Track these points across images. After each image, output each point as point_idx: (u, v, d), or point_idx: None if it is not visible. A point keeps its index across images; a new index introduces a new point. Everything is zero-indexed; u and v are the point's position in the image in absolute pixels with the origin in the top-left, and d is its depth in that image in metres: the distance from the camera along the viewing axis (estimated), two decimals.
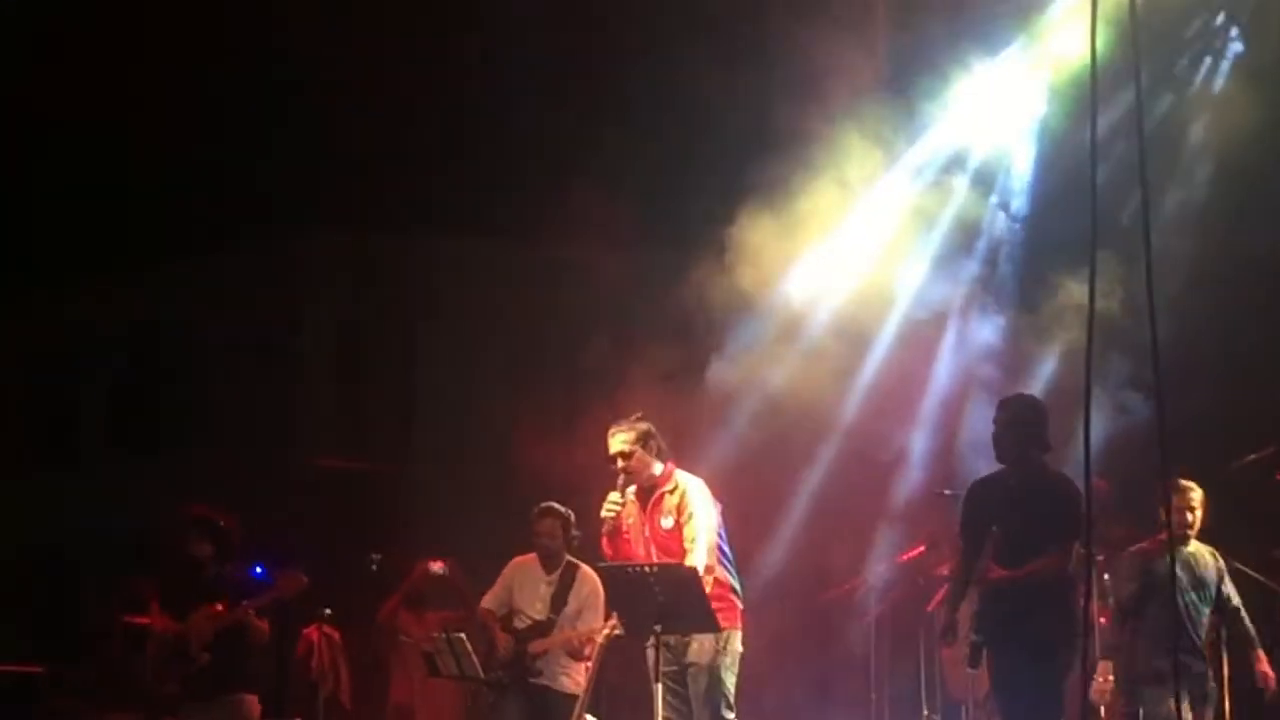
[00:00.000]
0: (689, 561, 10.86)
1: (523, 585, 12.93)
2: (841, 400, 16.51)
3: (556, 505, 13.08)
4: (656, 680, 10.62)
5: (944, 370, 16.44)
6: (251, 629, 12.09)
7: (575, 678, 12.52)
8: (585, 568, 12.74)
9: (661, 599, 10.37)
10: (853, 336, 16.03)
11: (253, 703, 12.28)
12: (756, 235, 15.13)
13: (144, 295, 21.74)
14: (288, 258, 20.38)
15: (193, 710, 12.12)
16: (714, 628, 10.71)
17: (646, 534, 11.24)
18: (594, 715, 11.85)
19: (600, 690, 12.27)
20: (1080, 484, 10.45)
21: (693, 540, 11.00)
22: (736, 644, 11.19)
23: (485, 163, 17.96)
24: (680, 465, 11.48)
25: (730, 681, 11.13)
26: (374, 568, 13.14)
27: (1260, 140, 14.88)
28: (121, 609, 15.48)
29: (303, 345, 20.31)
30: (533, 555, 13.01)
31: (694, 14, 15.66)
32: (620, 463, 11.20)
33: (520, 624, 12.76)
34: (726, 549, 11.28)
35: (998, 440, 11.10)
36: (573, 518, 13.08)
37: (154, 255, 20.82)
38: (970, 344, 16.27)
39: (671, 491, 11.22)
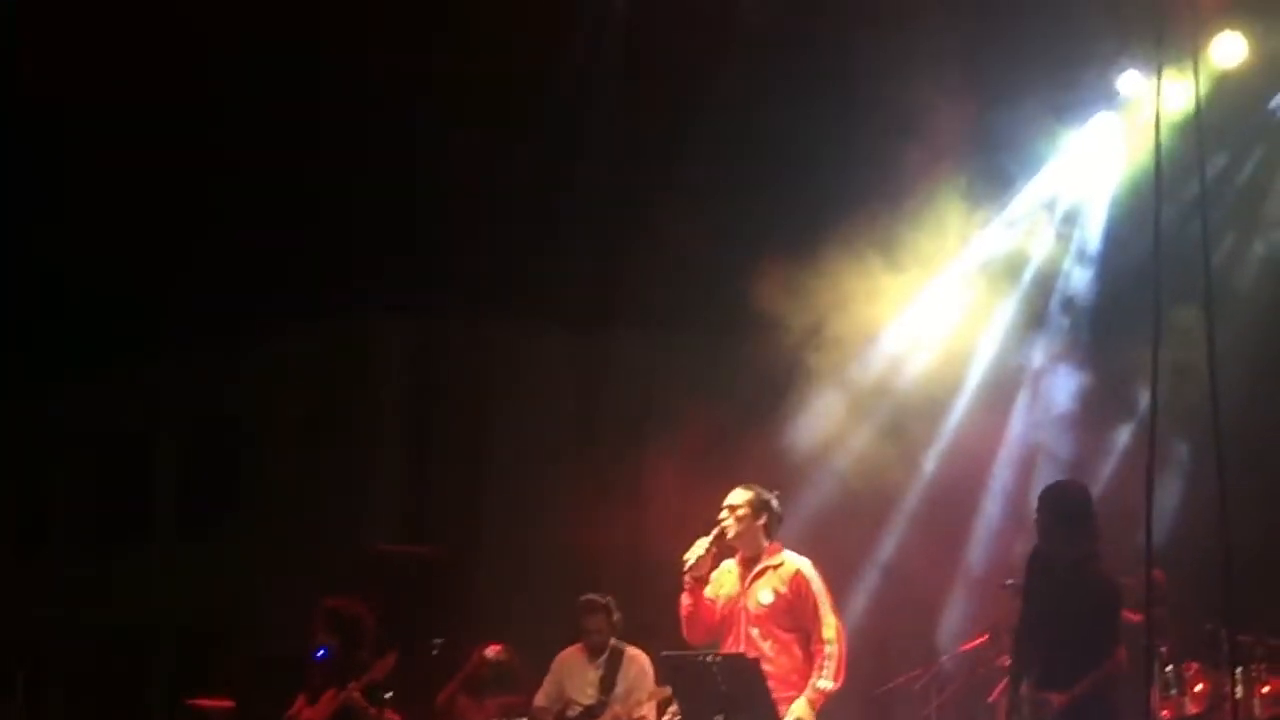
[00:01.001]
0: (818, 682, 10.75)
1: (571, 675, 13.11)
2: (912, 478, 16.65)
3: (596, 597, 13.21)
4: None
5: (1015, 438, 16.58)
6: (358, 711, 12.33)
7: None
8: (631, 649, 12.89)
9: (724, 689, 10.36)
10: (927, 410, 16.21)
11: None
12: (832, 304, 15.32)
13: (215, 375, 21.86)
14: (358, 340, 20.49)
15: None
16: (775, 718, 10.61)
17: (741, 605, 11.06)
18: None
19: None
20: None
21: (828, 658, 10.81)
22: None
23: (551, 247, 18.07)
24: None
25: None
26: (435, 652, 13.19)
27: None
28: (190, 691, 15.61)
29: (371, 429, 20.40)
30: (579, 646, 13.15)
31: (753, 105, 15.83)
32: (725, 513, 11.08)
33: (572, 712, 12.89)
34: None
35: (1043, 534, 10.83)
36: (613, 603, 13.17)
37: (226, 335, 20.96)
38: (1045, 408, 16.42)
39: (776, 567, 11.04)
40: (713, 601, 11.13)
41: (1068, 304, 16.89)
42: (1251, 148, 15.90)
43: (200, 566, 21.12)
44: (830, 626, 10.84)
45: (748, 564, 11.13)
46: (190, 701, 15.36)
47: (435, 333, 20.17)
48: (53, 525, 23.96)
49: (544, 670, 13.57)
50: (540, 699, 13.11)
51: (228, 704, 14.61)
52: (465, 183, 17.46)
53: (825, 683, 10.74)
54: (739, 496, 11.12)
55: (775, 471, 14.53)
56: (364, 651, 12.75)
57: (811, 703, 10.72)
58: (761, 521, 11.10)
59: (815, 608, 10.88)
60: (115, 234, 18.32)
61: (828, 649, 10.78)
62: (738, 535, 11.06)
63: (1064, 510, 10.73)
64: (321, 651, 13.11)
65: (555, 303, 19.10)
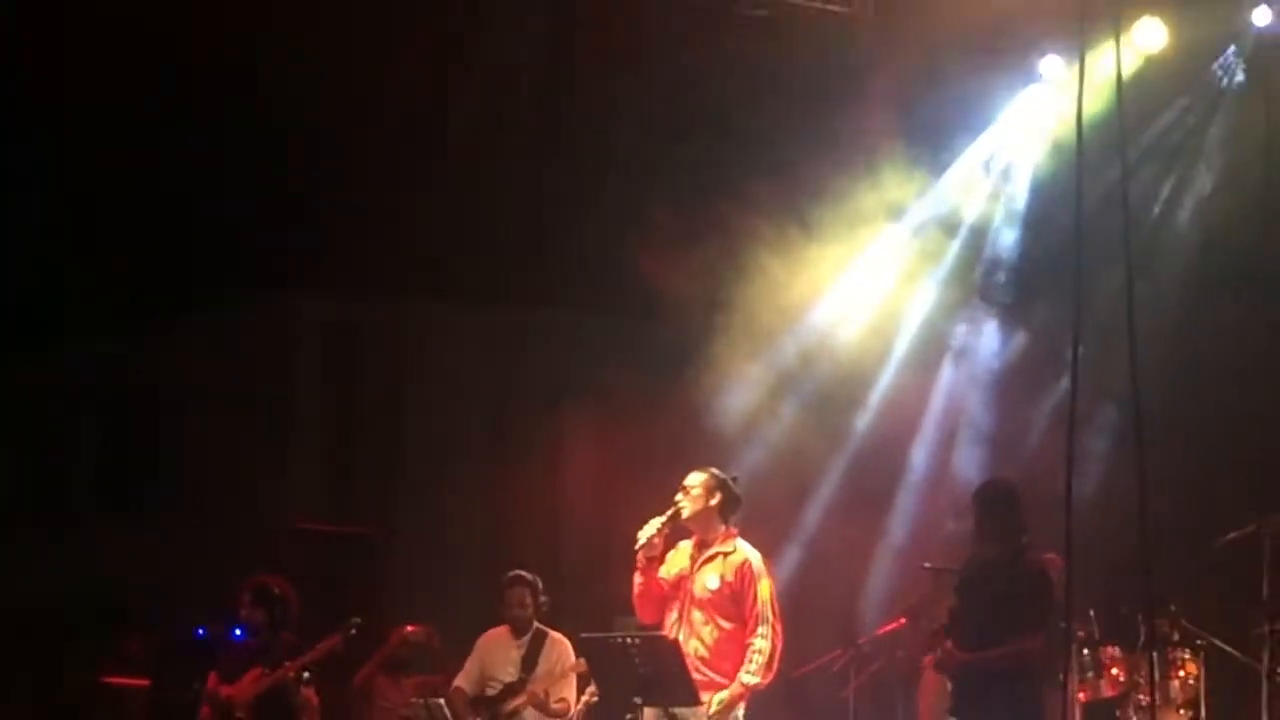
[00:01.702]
0: (743, 676, 10.72)
1: (493, 654, 13.11)
2: (835, 454, 16.71)
3: (524, 573, 13.18)
4: None
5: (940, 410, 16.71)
6: (290, 690, 12.22)
7: None
8: (554, 633, 12.90)
9: (643, 670, 10.32)
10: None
11: None
12: (753, 291, 15.34)
13: (129, 354, 21.71)
14: (275, 319, 20.39)
15: None
16: (694, 701, 10.55)
17: (688, 587, 11.00)
18: None
19: None
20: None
21: (757, 653, 10.78)
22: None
23: (468, 226, 18.01)
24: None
25: None
26: (353, 632, 13.10)
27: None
28: (106, 670, 15.53)
29: (290, 406, 20.32)
30: (503, 627, 13.14)
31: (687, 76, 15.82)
32: (681, 494, 11.02)
33: (492, 690, 12.89)
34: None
35: (979, 528, 11.16)
36: (540, 584, 13.14)
37: (140, 314, 20.81)
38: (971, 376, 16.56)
39: (727, 554, 10.96)
40: (665, 581, 11.07)
41: (997, 268, 17.02)
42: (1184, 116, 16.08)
43: (117, 545, 20.97)
44: (765, 622, 10.80)
45: (700, 546, 11.07)
46: (106, 680, 15.28)
47: (354, 310, 20.09)
48: None
49: (463, 650, 13.54)
50: (461, 679, 13.07)
51: (143, 683, 14.52)
52: (385, 159, 17.37)
53: (749, 678, 10.72)
54: (694, 478, 11.06)
55: (694, 449, 14.56)
56: (288, 631, 12.65)
57: (734, 696, 10.70)
58: (715, 502, 11.01)
59: (754, 601, 10.83)
60: (31, 210, 18.16)
61: (757, 643, 10.75)
62: (692, 516, 10.98)
63: (993, 508, 11.17)
64: (239, 631, 13.03)
65: (473, 281, 19.06)
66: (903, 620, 14.46)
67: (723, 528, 11.06)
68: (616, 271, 16.58)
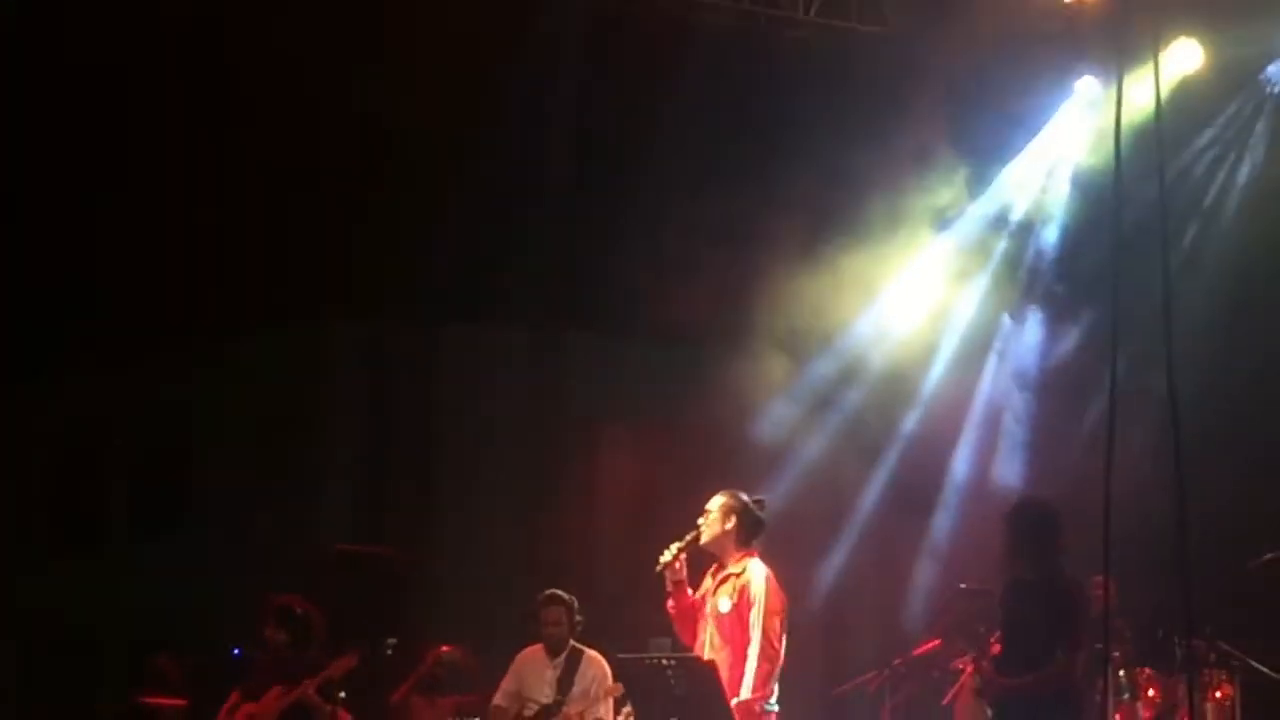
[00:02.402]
0: (737, 698, 10.58)
1: (529, 674, 13.07)
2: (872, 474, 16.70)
3: (560, 592, 13.14)
4: None
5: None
6: (313, 708, 12.22)
7: None
8: (590, 652, 12.86)
9: (679, 693, 10.29)
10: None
11: None
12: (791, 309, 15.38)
13: (167, 380, 21.81)
14: (311, 344, 20.45)
15: None
16: None
17: (708, 609, 10.92)
18: None
19: None
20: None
21: (746, 673, 10.61)
22: None
23: (501, 251, 18.05)
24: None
25: None
26: (389, 652, 13.12)
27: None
28: (142, 689, 15.55)
29: (326, 431, 20.36)
30: (539, 645, 13.12)
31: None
32: (701, 518, 10.93)
33: (529, 711, 12.86)
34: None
35: (1011, 551, 11.11)
36: (576, 604, 13.13)
37: (178, 341, 20.91)
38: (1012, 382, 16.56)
39: (737, 575, 10.84)
40: (700, 599, 11.00)
41: (1042, 267, 17.02)
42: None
43: (153, 568, 21.04)
44: (755, 641, 10.73)
45: (719, 569, 11.01)
46: (143, 700, 15.30)
47: (387, 334, 20.13)
48: (3, 529, 23.85)
49: (498, 670, 13.54)
50: (499, 698, 13.06)
51: (181, 702, 14.54)
52: (417, 186, 17.42)
53: (744, 691, 10.60)
54: (714, 501, 10.97)
55: (730, 469, 14.53)
56: (314, 649, 12.64)
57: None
58: (731, 526, 10.90)
59: (750, 621, 10.74)
60: (69, 235, 18.25)
61: (747, 664, 10.71)
62: (711, 540, 10.91)
63: (1030, 531, 11.05)
64: (237, 651, 13.08)
65: (510, 305, 19.10)
66: (938, 641, 14.43)
67: (739, 550, 10.97)
68: (651, 293, 16.59)
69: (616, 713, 12.63)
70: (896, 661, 14.48)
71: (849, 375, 16.78)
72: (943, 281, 16.76)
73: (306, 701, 12.17)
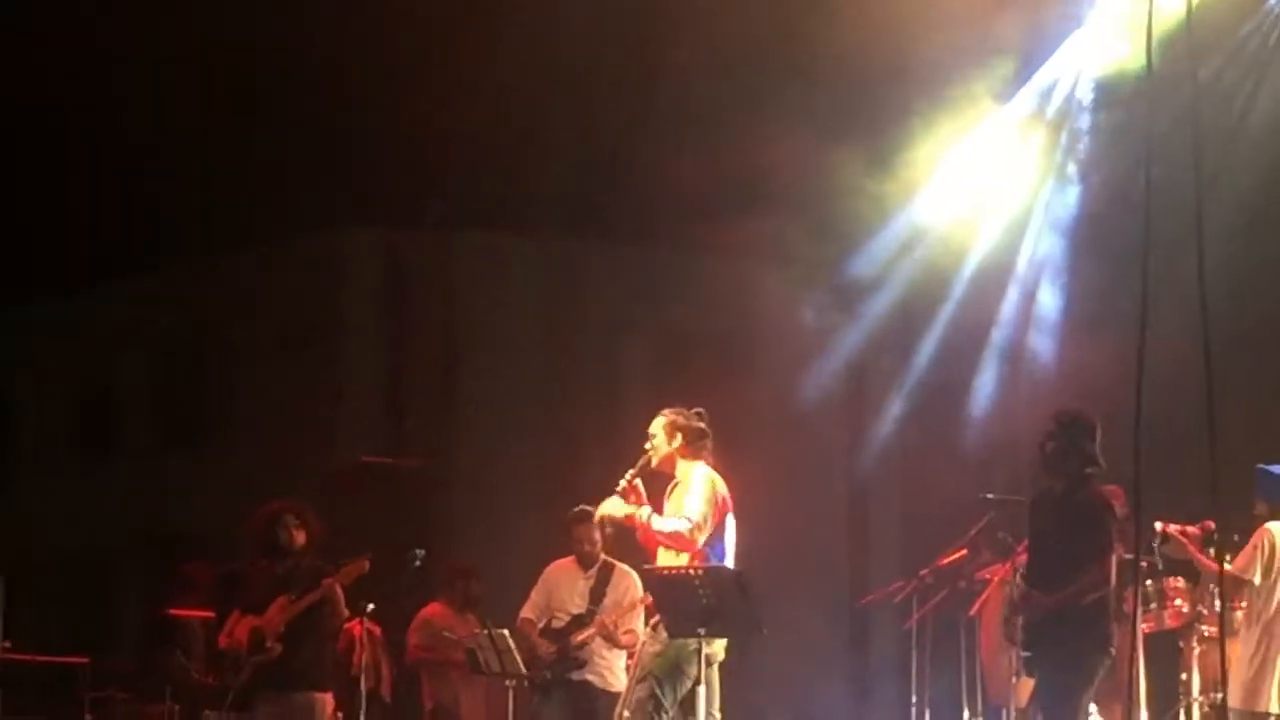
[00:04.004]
0: (654, 517, 10.75)
1: (560, 586, 13.04)
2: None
3: (590, 509, 13.11)
4: (699, 683, 10.60)
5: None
6: (336, 603, 12.11)
7: (618, 674, 12.56)
8: (621, 565, 12.84)
9: (705, 602, 10.32)
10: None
11: (325, 701, 12.30)
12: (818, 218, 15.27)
13: (187, 291, 21.80)
14: (330, 255, 20.42)
15: (265, 702, 12.15)
16: (758, 631, 10.60)
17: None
18: None
19: None
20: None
21: (677, 517, 10.74)
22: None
23: (522, 158, 17.96)
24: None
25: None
26: (417, 564, 13.08)
27: None
28: (166, 600, 15.57)
29: (346, 341, 20.35)
30: (569, 559, 13.10)
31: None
32: (646, 444, 11.04)
33: (558, 623, 12.85)
34: (721, 553, 10.94)
35: (1048, 455, 11.09)
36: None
37: (191, 251, 20.90)
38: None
39: (681, 482, 10.95)
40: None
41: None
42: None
43: (175, 480, 21.09)
44: (684, 510, 10.75)
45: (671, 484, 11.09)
46: (172, 612, 15.31)
47: (407, 244, 20.10)
48: (24, 441, 23.92)
49: (521, 582, 13.51)
50: (528, 610, 13.03)
51: (209, 614, 14.53)
52: (437, 92, 17.31)
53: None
54: (655, 424, 11.07)
55: (755, 375, 14.54)
56: (316, 558, 12.48)
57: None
58: (677, 445, 11.01)
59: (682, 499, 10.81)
60: (89, 147, 18.20)
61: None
62: (661, 460, 11.01)
63: (1073, 433, 11.00)
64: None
65: (527, 213, 19.03)
66: (964, 551, 14.41)
67: (688, 462, 11.01)
68: (677, 203, 16.52)
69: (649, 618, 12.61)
70: (923, 572, 14.47)
71: (881, 275, 16.66)
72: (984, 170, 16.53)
73: (332, 597, 12.06)
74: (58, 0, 15.95)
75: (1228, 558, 12.36)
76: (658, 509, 10.99)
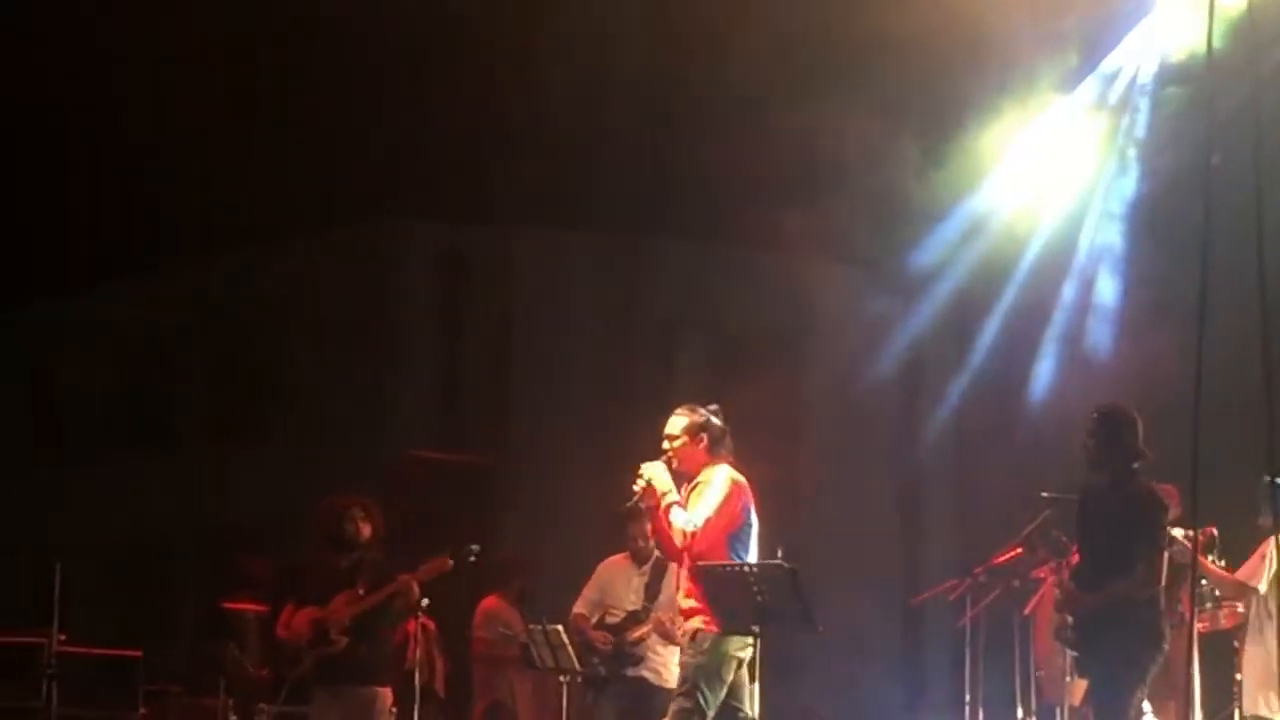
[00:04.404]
0: (677, 513, 10.60)
1: (614, 582, 13.03)
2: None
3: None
4: (753, 680, 10.58)
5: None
6: (412, 600, 12.11)
7: (672, 669, 12.54)
8: None
9: (760, 598, 10.29)
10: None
11: (385, 695, 12.33)
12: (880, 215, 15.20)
13: (241, 281, 21.85)
14: (388, 249, 20.45)
15: (324, 695, 12.18)
16: (813, 628, 10.51)
17: None
18: None
19: None
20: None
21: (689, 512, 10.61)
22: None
23: (580, 152, 17.93)
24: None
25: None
26: (472, 559, 13.09)
27: None
28: (220, 594, 15.63)
29: (399, 335, 20.38)
30: (623, 555, 13.09)
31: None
32: (666, 443, 10.88)
33: (613, 618, 12.84)
34: (741, 551, 10.84)
35: (1093, 451, 11.06)
36: None
37: (248, 243, 20.93)
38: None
39: (704, 482, 10.79)
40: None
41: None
42: None
43: (230, 473, 21.14)
44: (693, 513, 10.63)
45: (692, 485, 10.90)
46: (227, 605, 15.37)
47: (464, 237, 20.12)
48: (79, 434, 24.01)
49: (573, 578, 13.52)
50: (580, 605, 13.02)
51: (264, 608, 14.58)
52: (496, 86, 17.31)
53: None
54: (674, 424, 10.89)
55: (810, 369, 14.47)
56: (373, 553, 12.49)
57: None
58: (702, 445, 10.84)
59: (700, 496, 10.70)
60: (147, 132, 18.23)
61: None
62: (683, 462, 10.83)
63: (1108, 437, 11.00)
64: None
65: (585, 208, 19.02)
66: (1019, 549, 14.33)
67: (710, 462, 10.86)
68: (735, 195, 16.46)
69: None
70: (977, 570, 14.41)
71: (940, 265, 16.57)
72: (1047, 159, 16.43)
73: (406, 592, 12.06)
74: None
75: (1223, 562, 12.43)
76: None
